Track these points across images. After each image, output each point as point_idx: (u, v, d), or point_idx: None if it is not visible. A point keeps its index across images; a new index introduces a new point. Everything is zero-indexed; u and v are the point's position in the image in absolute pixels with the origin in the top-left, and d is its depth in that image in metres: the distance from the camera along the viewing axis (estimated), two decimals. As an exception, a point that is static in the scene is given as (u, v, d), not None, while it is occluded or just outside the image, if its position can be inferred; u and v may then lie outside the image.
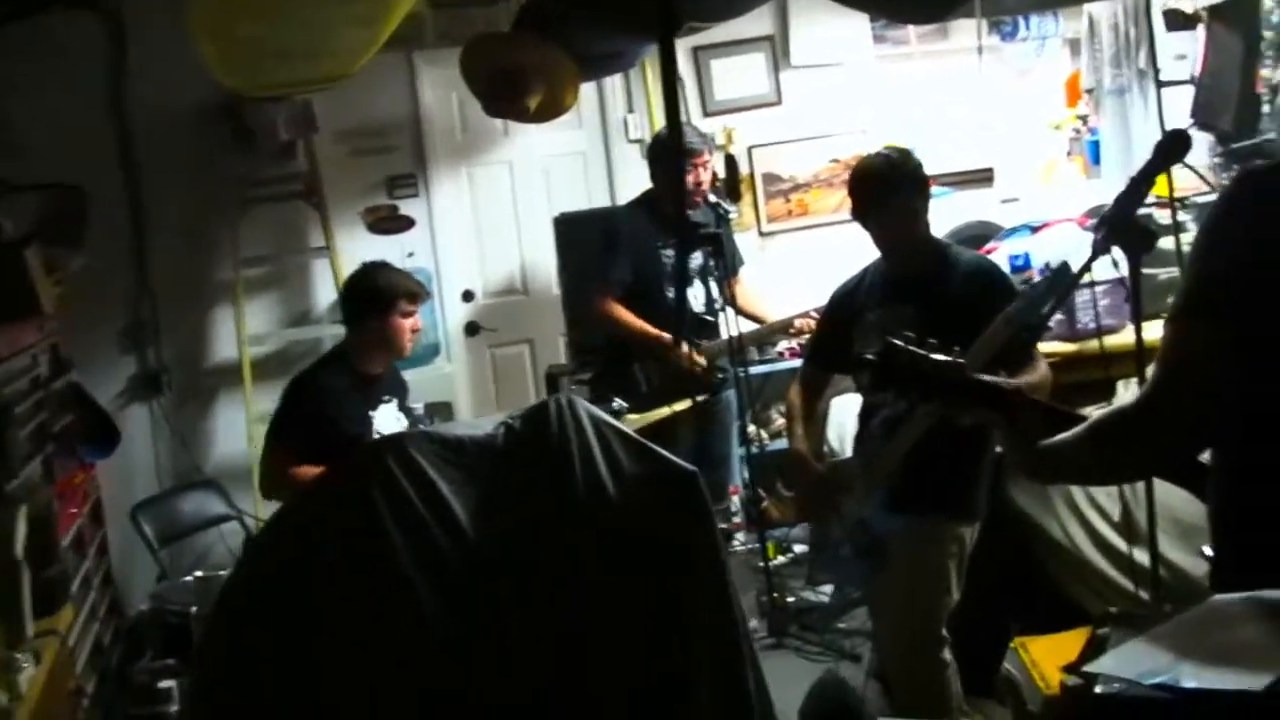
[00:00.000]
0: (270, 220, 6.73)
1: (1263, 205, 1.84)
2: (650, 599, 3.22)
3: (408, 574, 3.01)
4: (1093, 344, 4.59)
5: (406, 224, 6.87)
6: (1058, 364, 4.56)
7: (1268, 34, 6.09)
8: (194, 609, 4.72)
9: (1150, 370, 1.96)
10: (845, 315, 4.04)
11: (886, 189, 3.81)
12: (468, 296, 7.08)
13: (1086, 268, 2.76)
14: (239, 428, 6.49)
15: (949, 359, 2.35)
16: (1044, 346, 4.01)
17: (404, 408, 4.78)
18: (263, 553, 3.31)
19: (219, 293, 6.70)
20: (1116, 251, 2.74)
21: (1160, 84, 5.79)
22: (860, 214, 3.89)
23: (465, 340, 7.07)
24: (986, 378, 2.40)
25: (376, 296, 4.51)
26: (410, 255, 6.87)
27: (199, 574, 4.45)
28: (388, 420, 4.63)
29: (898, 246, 3.90)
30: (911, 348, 2.37)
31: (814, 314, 5.46)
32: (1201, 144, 6.36)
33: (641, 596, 3.21)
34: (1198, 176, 5.69)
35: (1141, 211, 2.85)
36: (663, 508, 3.24)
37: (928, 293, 3.77)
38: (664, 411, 4.83)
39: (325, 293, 6.79)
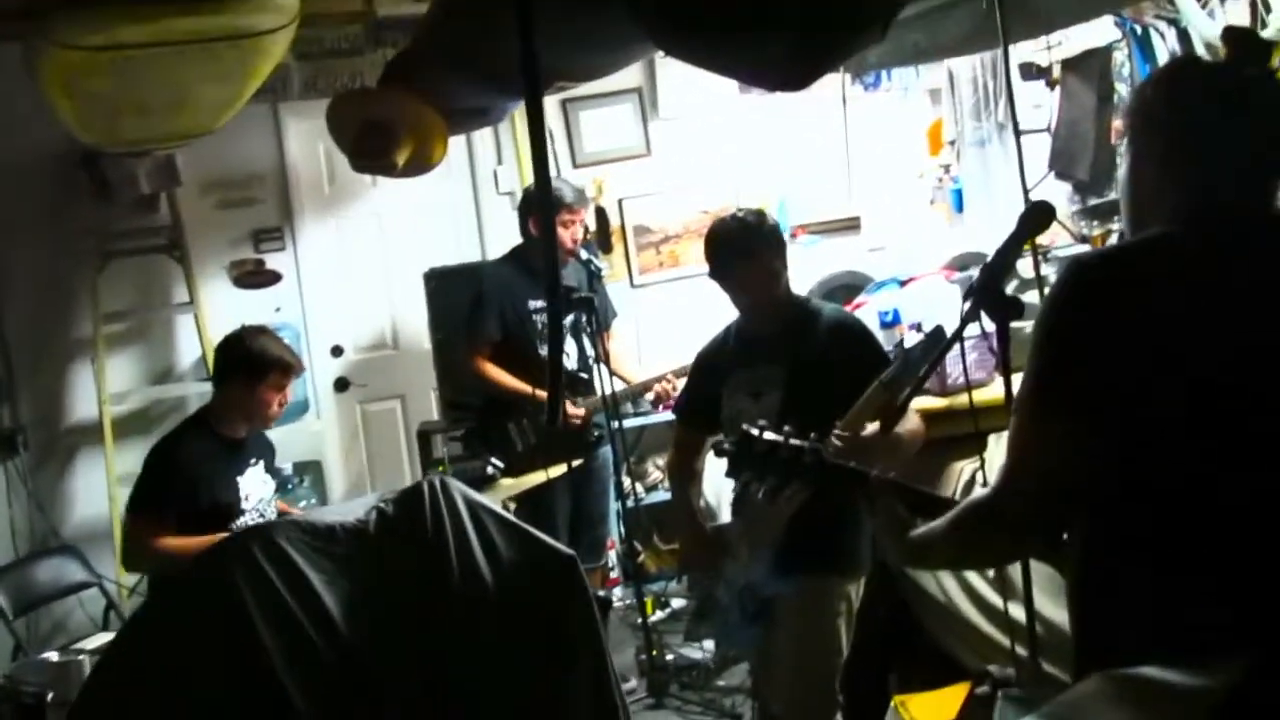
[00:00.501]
0: (132, 274, 6.56)
1: (1094, 296, 1.88)
2: (529, 686, 3.17)
3: (277, 672, 2.90)
4: (963, 398, 4.66)
5: (273, 278, 6.75)
6: (929, 418, 4.64)
7: (1120, 86, 6.28)
8: (50, 695, 4.52)
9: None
10: (712, 375, 4.04)
11: (742, 252, 3.80)
12: (337, 352, 6.97)
13: (958, 336, 2.78)
14: (99, 489, 6.29)
15: (805, 443, 2.37)
16: (916, 401, 4.04)
17: (270, 469, 4.66)
18: (123, 651, 3.16)
19: (78, 349, 6.50)
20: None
21: (1020, 134, 5.93)
22: (717, 275, 3.89)
23: (335, 396, 6.95)
24: (844, 461, 2.43)
25: (249, 363, 4.40)
26: (278, 310, 6.75)
27: (54, 657, 4.25)
28: (255, 484, 4.51)
29: (756, 307, 3.90)
30: (767, 434, 2.38)
31: (670, 377, 5.49)
32: (1059, 193, 6.53)
33: (520, 683, 3.15)
34: (1060, 226, 5.82)
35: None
36: (540, 593, 3.19)
37: (792, 351, 3.79)
38: (540, 476, 4.78)
39: (189, 349, 6.63)
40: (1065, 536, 2.04)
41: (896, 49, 5.02)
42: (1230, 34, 2.13)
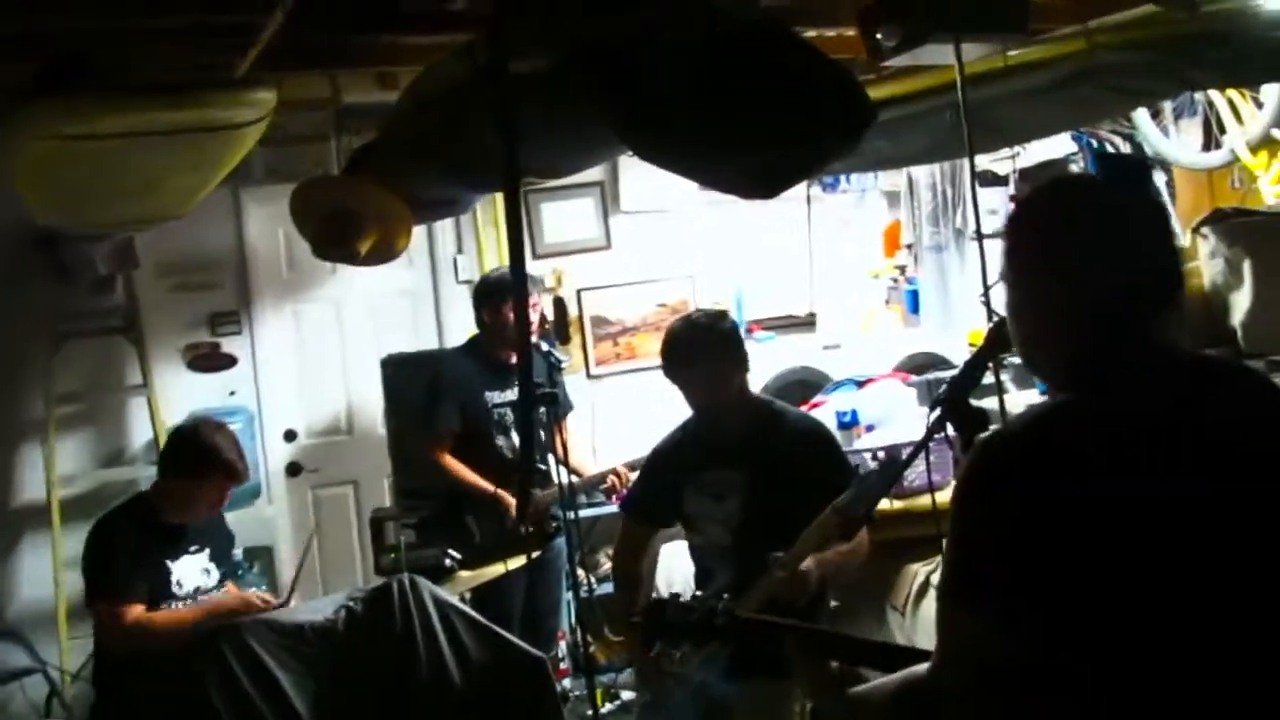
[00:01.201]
0: (86, 355, 6.48)
1: (1002, 481, 1.80)
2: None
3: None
4: (920, 500, 4.72)
5: (228, 362, 6.73)
6: (887, 520, 4.68)
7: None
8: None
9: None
10: (667, 473, 4.04)
11: (690, 356, 3.82)
12: (290, 436, 6.91)
13: (923, 445, 2.81)
14: (45, 573, 6.15)
15: (719, 603, 2.37)
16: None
17: (218, 558, 4.58)
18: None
19: (29, 429, 6.39)
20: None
21: (982, 238, 6.06)
22: (670, 375, 3.91)
23: (286, 481, 6.89)
24: (757, 615, 2.43)
25: (197, 459, 4.35)
26: (232, 394, 6.71)
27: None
28: (192, 572, 4.41)
29: (707, 408, 3.92)
30: (681, 599, 2.39)
31: (622, 470, 5.50)
32: (1011, 300, 6.63)
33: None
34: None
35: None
36: (509, 695, 3.19)
37: (754, 455, 3.79)
38: (499, 569, 4.75)
39: (141, 432, 6.56)
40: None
41: (860, 156, 5.11)
42: (1105, 159, 2.13)
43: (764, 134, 3.08)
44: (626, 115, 3.29)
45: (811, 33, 4.48)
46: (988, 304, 4.45)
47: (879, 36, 3.96)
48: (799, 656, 2.28)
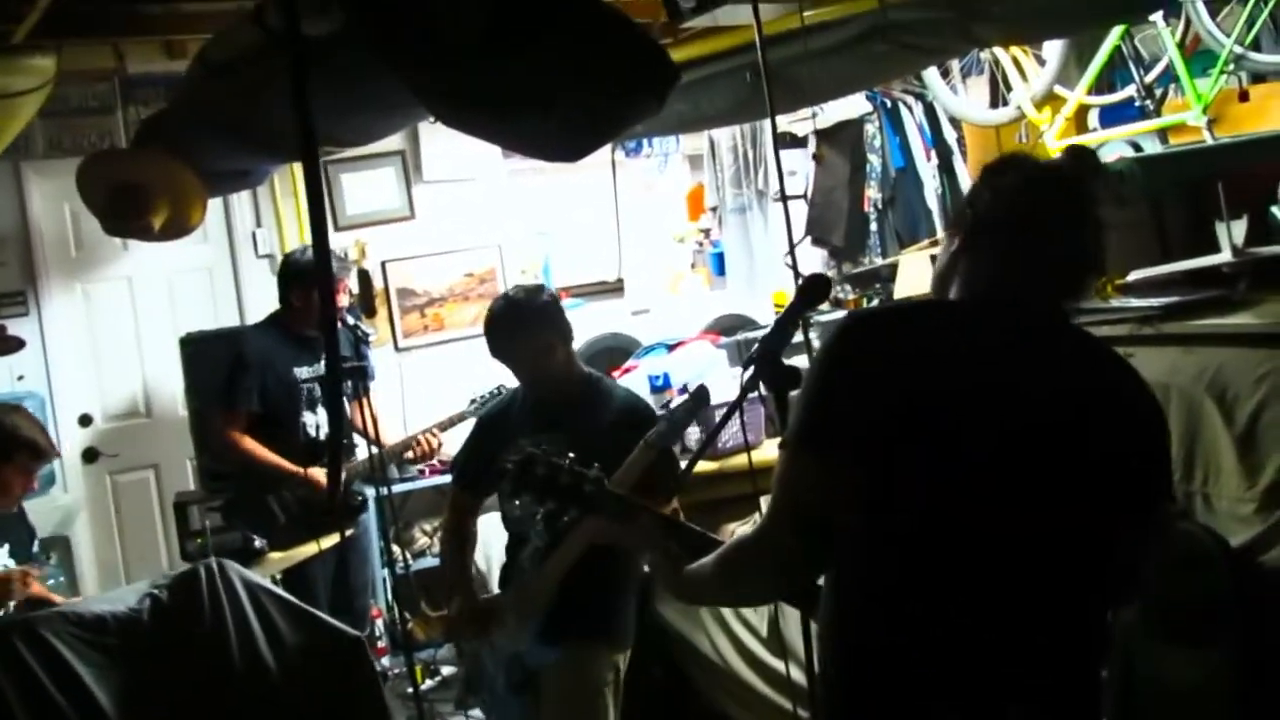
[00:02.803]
0: None
1: (857, 348, 1.97)
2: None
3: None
4: (733, 460, 4.79)
5: (15, 345, 6.39)
6: (703, 479, 4.71)
7: (871, 157, 6.55)
8: None
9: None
10: (495, 439, 4.00)
11: (513, 330, 3.79)
12: (85, 421, 6.65)
13: (738, 405, 2.83)
14: None
15: (589, 472, 2.43)
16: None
17: (19, 553, 4.38)
18: None
19: None
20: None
21: (786, 199, 6.15)
22: (495, 353, 3.88)
23: (83, 468, 6.63)
24: (621, 492, 2.48)
25: None
26: (20, 379, 6.44)
27: None
28: (-10, 567, 4.24)
29: (536, 382, 3.90)
30: (552, 458, 2.43)
31: (435, 431, 5.43)
32: (815, 259, 6.77)
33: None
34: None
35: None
36: (326, 676, 3.11)
37: (579, 424, 3.78)
38: (311, 548, 4.64)
39: (-78, 422, 6.22)
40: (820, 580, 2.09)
41: (661, 119, 5.10)
42: (1074, 152, 2.24)
43: (564, 96, 3.05)
44: (425, 78, 3.21)
45: (611, -5, 4.45)
46: (794, 264, 4.51)
47: (678, -1, 3.96)
48: (652, 535, 2.40)
